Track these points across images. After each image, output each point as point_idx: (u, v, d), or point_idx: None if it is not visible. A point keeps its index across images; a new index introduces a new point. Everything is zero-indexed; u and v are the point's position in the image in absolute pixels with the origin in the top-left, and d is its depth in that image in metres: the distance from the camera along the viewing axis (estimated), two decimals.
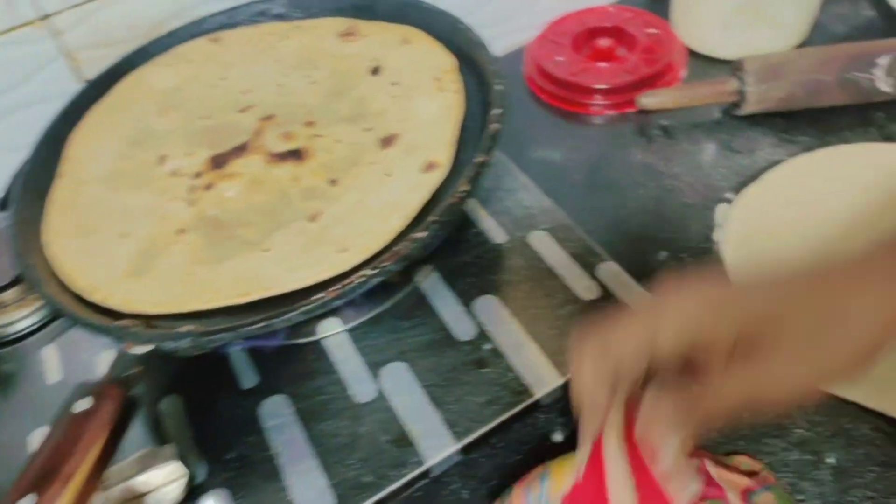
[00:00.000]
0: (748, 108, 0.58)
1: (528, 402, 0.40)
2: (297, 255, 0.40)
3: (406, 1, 0.52)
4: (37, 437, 0.43)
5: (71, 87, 0.53)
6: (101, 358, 0.46)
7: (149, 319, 0.39)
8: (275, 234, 0.41)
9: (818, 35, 0.66)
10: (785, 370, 0.28)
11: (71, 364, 0.47)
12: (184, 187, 0.45)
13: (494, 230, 0.49)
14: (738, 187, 0.55)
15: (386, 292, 0.46)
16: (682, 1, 0.66)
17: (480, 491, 0.41)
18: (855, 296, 0.29)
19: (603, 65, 0.64)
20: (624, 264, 0.46)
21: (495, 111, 0.41)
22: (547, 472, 0.36)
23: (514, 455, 0.42)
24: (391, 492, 0.38)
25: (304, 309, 0.35)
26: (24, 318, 0.49)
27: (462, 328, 0.44)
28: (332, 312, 0.45)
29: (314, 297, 0.35)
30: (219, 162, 0.45)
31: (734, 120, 0.60)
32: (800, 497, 0.39)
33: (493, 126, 0.40)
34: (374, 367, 0.43)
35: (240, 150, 0.46)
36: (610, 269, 0.45)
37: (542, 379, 0.41)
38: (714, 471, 0.33)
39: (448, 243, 0.49)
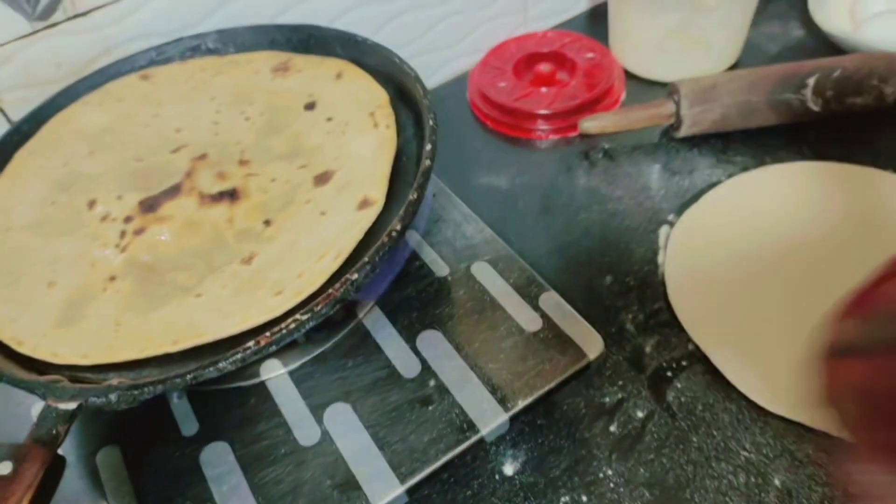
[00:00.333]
0: (685, 131, 0.59)
1: (474, 439, 0.40)
2: (230, 299, 0.39)
3: (339, 34, 0.52)
4: None
5: None
6: (34, 409, 0.44)
7: (78, 371, 0.37)
8: (208, 279, 0.40)
9: (751, 55, 0.68)
10: None
11: (3, 417, 0.45)
12: (114, 232, 0.43)
13: (437, 263, 0.48)
14: (680, 209, 0.55)
15: (328, 331, 0.45)
16: (618, 25, 0.67)
17: None
18: None
19: (545, 90, 0.65)
20: (568, 291, 0.46)
21: (427, 147, 0.41)
22: None
23: (466, 490, 0.42)
24: None
25: (235, 357, 0.34)
26: None
27: (406, 365, 0.43)
28: (273, 355, 0.44)
29: (246, 345, 0.34)
30: (150, 205, 0.44)
31: (673, 142, 0.61)
32: None
33: (426, 163, 0.40)
34: (318, 408, 0.42)
35: (172, 192, 0.45)
36: (552, 299, 0.45)
37: (487, 414, 0.40)
38: None
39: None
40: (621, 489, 0.41)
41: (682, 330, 0.48)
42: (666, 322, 0.49)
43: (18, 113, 0.53)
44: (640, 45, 0.66)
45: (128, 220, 0.44)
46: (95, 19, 0.53)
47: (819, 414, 0.40)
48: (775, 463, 0.41)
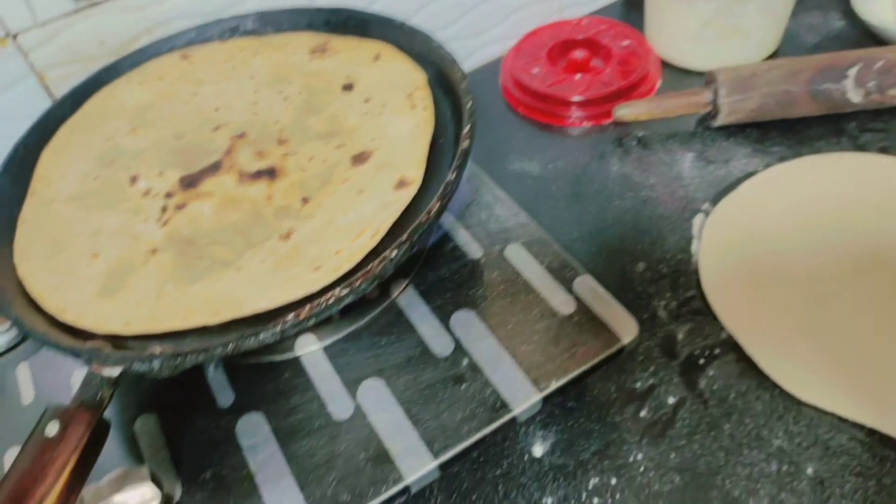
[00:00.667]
0: (722, 119, 0.59)
1: (507, 417, 0.40)
2: (269, 274, 0.39)
3: (377, 17, 0.52)
4: (11, 457, 0.42)
5: (41, 105, 0.52)
6: (74, 376, 0.45)
7: (120, 340, 0.38)
8: (247, 254, 0.41)
9: (789, 45, 0.67)
10: None
11: (44, 383, 0.46)
12: (156, 207, 0.44)
13: (471, 245, 0.48)
14: (715, 198, 0.55)
15: (363, 309, 0.46)
16: (655, 12, 0.67)
17: None
18: None
19: (578, 77, 0.65)
20: (601, 276, 0.46)
21: (465, 129, 0.41)
22: None
23: (495, 469, 0.42)
24: None
25: (275, 329, 0.34)
26: None
27: (439, 344, 0.43)
28: (308, 330, 0.45)
29: (285, 318, 0.35)
30: (191, 182, 0.45)
31: (709, 131, 0.61)
32: None
33: (464, 144, 0.40)
34: (352, 384, 0.42)
35: (212, 169, 0.45)
36: (586, 283, 0.45)
37: (520, 394, 0.40)
38: None
39: (424, 259, 0.49)
40: (651, 473, 0.41)
41: (715, 318, 0.48)
42: (699, 310, 0.48)
43: (62, 89, 0.54)
44: (676, 33, 0.65)
45: (169, 195, 0.45)
46: None
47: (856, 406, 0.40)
48: (808, 452, 0.41)
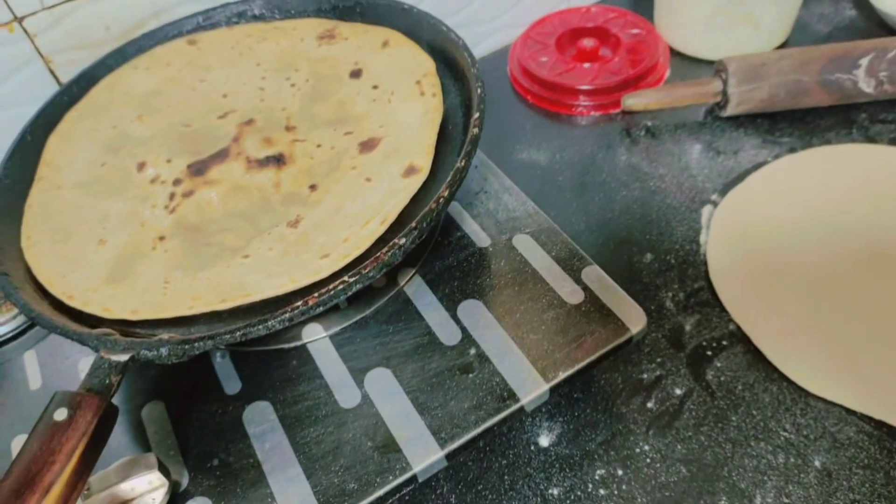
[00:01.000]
0: (731, 109, 0.58)
1: (514, 407, 0.40)
2: (277, 261, 0.39)
3: (386, 3, 0.52)
4: (19, 444, 0.42)
5: (47, 90, 0.52)
6: (82, 363, 0.45)
7: (127, 326, 0.38)
8: (255, 241, 0.41)
9: (800, 35, 0.67)
10: None
11: (52, 370, 0.46)
12: (163, 194, 0.44)
13: (478, 234, 0.48)
14: (723, 189, 0.55)
15: (370, 297, 0.46)
16: (664, 1, 0.66)
17: (468, 495, 0.41)
18: None
19: (587, 65, 0.64)
20: (608, 267, 0.46)
21: (475, 115, 0.41)
22: None
23: (501, 459, 0.42)
24: (376, 498, 0.37)
25: (283, 316, 0.34)
26: (4, 323, 0.48)
27: (447, 333, 0.43)
28: (316, 318, 0.45)
29: (294, 305, 0.35)
30: (199, 169, 0.45)
31: (718, 121, 0.60)
32: (786, 501, 0.39)
33: (473, 131, 0.40)
34: (359, 372, 0.42)
35: (220, 156, 0.45)
36: (594, 273, 0.45)
37: (527, 384, 0.40)
38: None
39: (432, 247, 0.48)
40: (658, 464, 0.41)
41: (723, 310, 0.48)
42: (707, 301, 0.48)
43: (68, 74, 0.53)
44: (686, 22, 0.65)
45: (177, 182, 0.45)
46: None
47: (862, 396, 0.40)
48: (816, 444, 0.41)
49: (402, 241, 0.36)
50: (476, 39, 0.71)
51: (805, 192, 0.53)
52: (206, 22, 0.55)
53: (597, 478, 0.41)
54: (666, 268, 0.51)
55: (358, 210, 0.41)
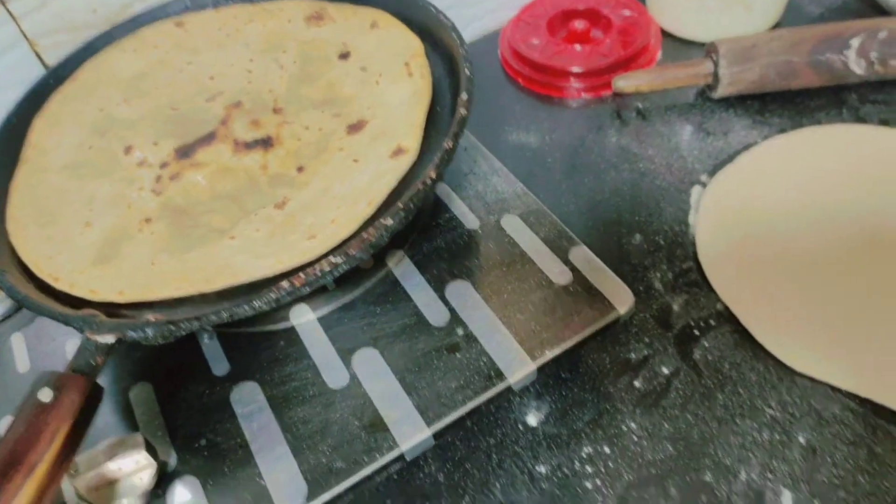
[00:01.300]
0: (722, 91, 0.58)
1: (502, 386, 0.40)
2: (264, 242, 0.39)
3: None
4: (6, 425, 0.42)
5: (33, 73, 0.52)
6: (69, 345, 0.46)
7: (114, 308, 0.38)
8: (242, 223, 0.41)
9: (792, 16, 0.66)
10: None
11: (39, 352, 0.46)
12: (150, 177, 0.44)
13: (467, 215, 0.48)
14: (713, 170, 0.55)
15: (357, 279, 0.46)
16: None
17: (455, 474, 0.41)
18: None
19: (578, 47, 0.64)
20: (597, 248, 0.46)
21: (463, 97, 0.41)
22: None
23: (489, 438, 0.43)
24: (363, 477, 0.38)
25: (269, 297, 0.34)
26: None
27: (434, 313, 0.43)
28: (303, 299, 0.45)
29: (280, 285, 0.35)
30: (186, 152, 0.45)
31: (709, 102, 0.60)
32: (770, 477, 0.39)
33: (461, 112, 0.40)
34: (346, 353, 0.42)
35: (207, 139, 0.45)
36: (582, 254, 0.45)
37: (515, 363, 0.41)
38: None
39: (420, 229, 0.48)
40: (645, 442, 0.42)
41: (711, 290, 0.48)
42: (695, 282, 0.48)
43: (54, 57, 0.53)
44: (678, 3, 0.65)
45: (164, 165, 0.45)
46: None
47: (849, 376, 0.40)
48: (801, 422, 0.41)
49: (389, 221, 0.36)
50: (465, 21, 0.70)
51: (794, 172, 0.53)
52: (193, 4, 0.54)
53: (584, 455, 0.42)
54: (655, 248, 0.51)
55: (345, 191, 0.41)
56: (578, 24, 0.66)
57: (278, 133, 0.45)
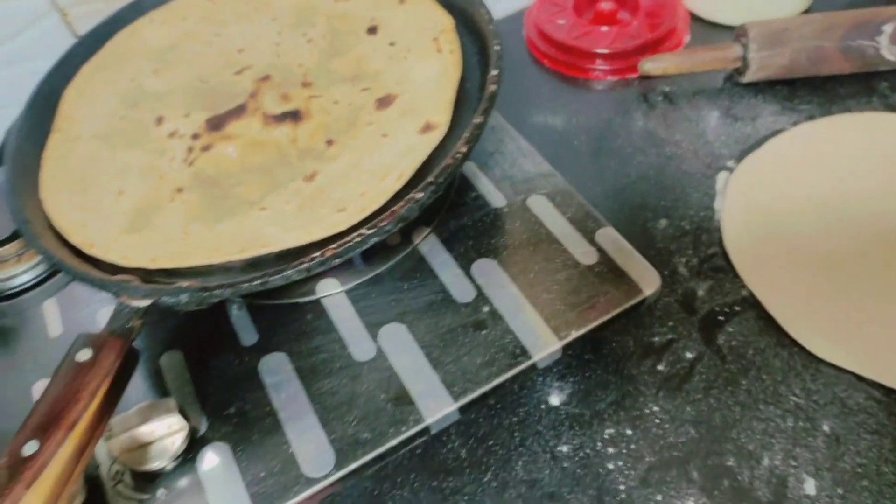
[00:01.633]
0: (751, 76, 0.57)
1: (526, 364, 0.40)
2: (294, 214, 0.39)
3: None
4: (40, 389, 0.43)
5: (64, 43, 0.52)
6: (101, 313, 0.46)
7: (146, 275, 0.39)
8: (272, 194, 0.41)
9: (823, 2, 0.65)
10: None
11: (71, 318, 0.47)
12: (182, 148, 0.44)
13: (493, 194, 0.48)
14: (740, 155, 0.54)
15: (384, 254, 0.46)
16: None
17: (478, 450, 0.42)
18: None
19: (605, 29, 0.64)
20: (623, 231, 0.46)
21: (493, 72, 0.41)
22: None
23: (512, 416, 0.43)
24: (389, 448, 0.38)
25: (302, 266, 0.35)
26: (24, 272, 0.49)
27: (461, 290, 0.44)
28: (331, 272, 0.45)
29: (312, 256, 0.35)
30: (217, 124, 0.45)
31: (737, 87, 0.60)
32: (793, 464, 0.39)
33: (492, 87, 0.40)
34: (373, 327, 0.43)
35: (238, 111, 0.45)
36: (609, 235, 0.45)
37: (540, 342, 0.41)
38: None
39: (447, 207, 0.48)
40: (667, 425, 0.42)
41: (736, 276, 0.48)
42: (720, 267, 0.48)
43: (84, 27, 0.53)
44: None
45: (195, 137, 0.45)
46: None
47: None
48: (825, 409, 0.41)
49: (420, 195, 0.36)
50: (491, 2, 0.70)
51: (823, 159, 0.53)
52: None
53: (606, 437, 0.42)
54: (680, 233, 0.51)
55: (374, 166, 0.41)
56: (605, 6, 0.65)
57: (307, 107, 0.45)
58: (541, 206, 0.47)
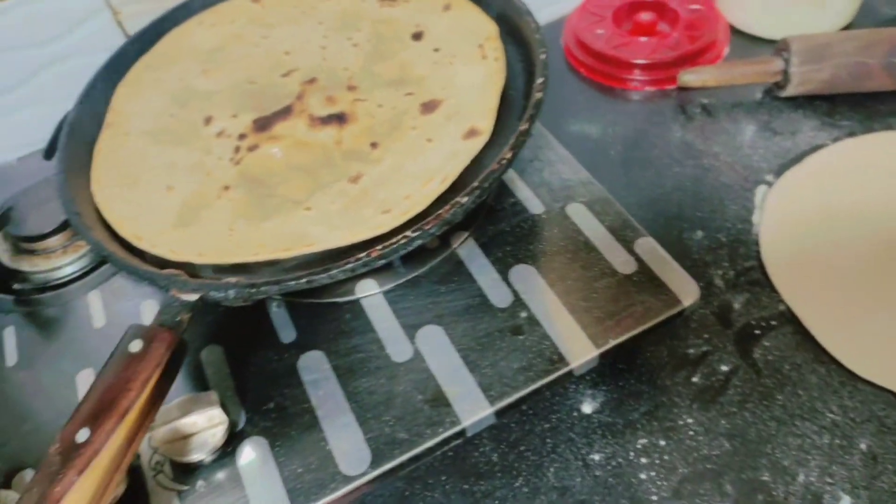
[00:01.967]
0: (791, 90, 0.57)
1: (563, 370, 0.40)
2: (338, 214, 0.40)
3: None
4: (84, 378, 0.44)
5: (114, 41, 0.53)
6: (143, 306, 0.47)
7: (192, 269, 0.40)
8: (317, 195, 0.42)
9: (865, 18, 0.65)
10: None
11: (114, 310, 0.48)
12: (229, 147, 0.45)
13: (531, 200, 0.49)
14: (779, 170, 0.54)
15: (423, 257, 0.46)
16: None
17: (510, 455, 0.42)
18: None
19: (644, 39, 0.64)
20: (658, 241, 0.46)
21: (539, 80, 0.41)
22: None
23: (544, 423, 0.43)
24: (425, 449, 0.39)
25: (347, 266, 0.35)
26: (69, 263, 0.50)
27: (498, 295, 0.44)
28: (370, 274, 0.45)
29: (357, 256, 0.35)
30: (263, 125, 0.46)
31: (776, 101, 0.59)
32: (829, 481, 0.39)
33: (537, 95, 0.40)
34: (411, 329, 0.43)
35: (284, 113, 0.46)
36: (648, 245, 0.45)
37: (577, 349, 0.41)
38: None
39: (486, 212, 0.49)
40: (700, 437, 0.42)
41: (773, 290, 0.47)
42: (757, 281, 0.48)
43: (135, 26, 0.55)
44: None
45: (242, 137, 0.46)
46: None
47: None
48: (862, 427, 0.41)
49: (465, 199, 0.37)
50: (533, 9, 0.70)
51: (864, 176, 0.52)
52: None
53: (638, 446, 0.42)
54: (716, 245, 0.50)
55: (418, 169, 0.41)
56: (645, 16, 0.65)
57: (352, 110, 0.46)
58: (579, 214, 0.47)
